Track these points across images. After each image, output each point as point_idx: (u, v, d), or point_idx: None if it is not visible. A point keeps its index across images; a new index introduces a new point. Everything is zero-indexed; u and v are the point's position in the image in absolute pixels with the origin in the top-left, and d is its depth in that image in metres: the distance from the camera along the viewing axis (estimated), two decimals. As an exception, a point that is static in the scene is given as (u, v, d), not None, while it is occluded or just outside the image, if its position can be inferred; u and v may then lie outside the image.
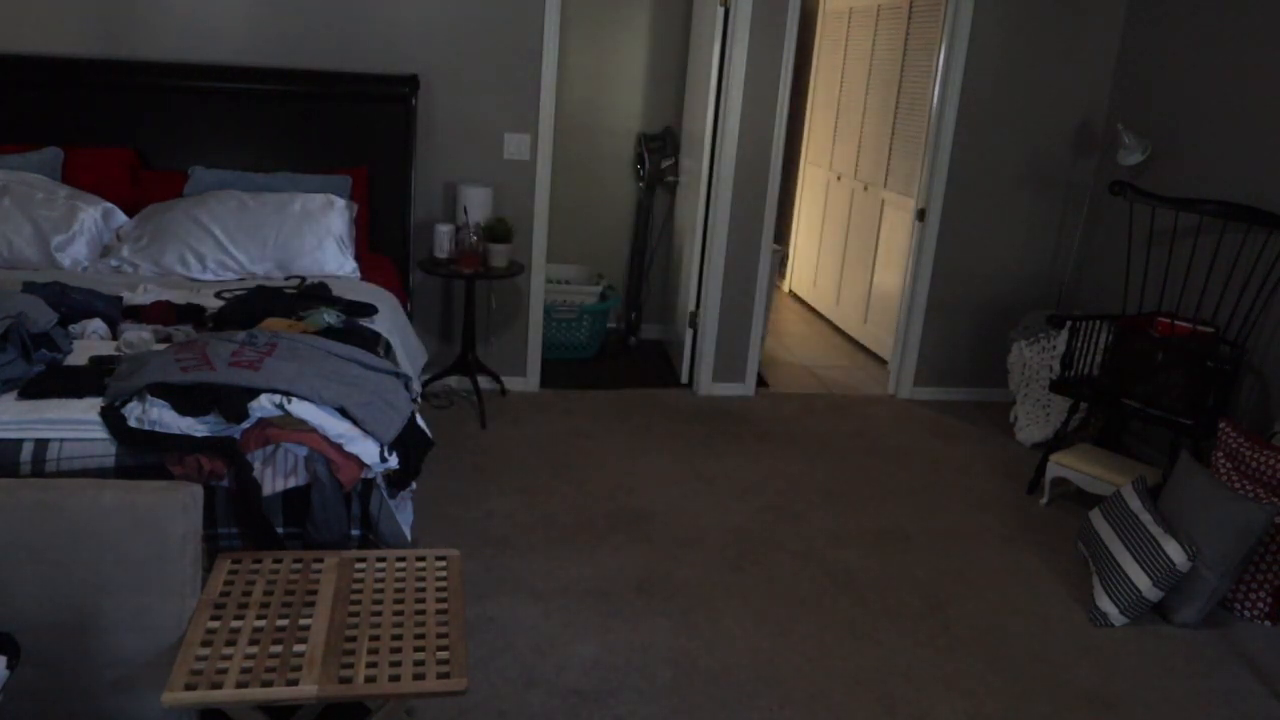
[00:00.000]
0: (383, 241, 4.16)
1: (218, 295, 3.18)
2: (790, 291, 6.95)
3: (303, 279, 3.45)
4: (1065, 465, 3.76)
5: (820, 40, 6.54)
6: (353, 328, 2.88)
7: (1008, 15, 4.45)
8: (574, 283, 5.38)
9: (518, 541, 3.23)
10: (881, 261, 5.50)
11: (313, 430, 2.21)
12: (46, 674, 1.87)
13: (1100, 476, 3.65)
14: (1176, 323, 3.70)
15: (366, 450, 2.25)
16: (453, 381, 4.53)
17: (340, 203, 3.75)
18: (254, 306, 2.94)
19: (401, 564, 2.15)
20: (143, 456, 2.15)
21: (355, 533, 2.34)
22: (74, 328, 2.70)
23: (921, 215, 4.72)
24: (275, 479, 2.22)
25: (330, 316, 2.88)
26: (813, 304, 6.56)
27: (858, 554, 3.34)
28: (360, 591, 2.04)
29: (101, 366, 2.42)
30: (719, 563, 3.21)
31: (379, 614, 1.97)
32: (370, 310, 3.14)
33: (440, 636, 1.91)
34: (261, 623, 1.89)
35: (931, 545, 3.44)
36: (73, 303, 2.78)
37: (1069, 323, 3.90)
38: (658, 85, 5.36)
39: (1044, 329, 4.43)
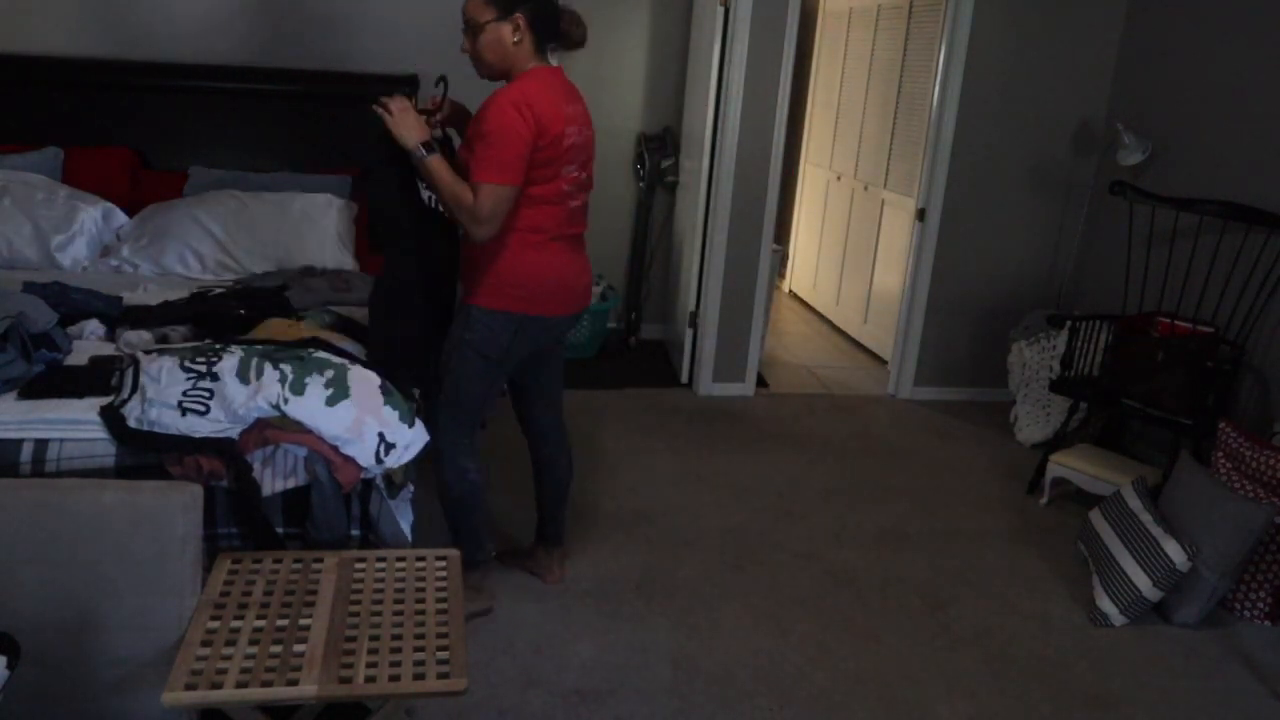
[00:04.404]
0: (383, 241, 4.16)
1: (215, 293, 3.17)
2: (790, 291, 6.95)
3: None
4: (1065, 465, 3.76)
5: (820, 40, 6.54)
6: (351, 325, 2.88)
7: (1008, 15, 4.45)
8: (574, 283, 5.36)
9: (517, 541, 3.23)
10: (881, 261, 5.50)
11: (309, 431, 2.21)
12: (46, 674, 1.87)
13: (1100, 476, 3.65)
14: (1176, 323, 3.70)
15: (362, 452, 2.24)
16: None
17: (340, 202, 3.75)
18: (253, 306, 2.93)
19: (401, 564, 2.15)
20: (143, 456, 2.15)
21: (355, 533, 2.34)
22: (72, 328, 2.70)
23: (921, 215, 4.72)
24: (275, 479, 2.22)
25: (330, 316, 2.88)
26: (813, 304, 6.56)
27: (858, 554, 3.33)
28: (360, 591, 2.04)
29: (102, 367, 2.41)
30: (719, 563, 3.21)
31: (379, 614, 1.97)
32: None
33: (440, 636, 1.91)
34: (261, 623, 1.89)
35: (931, 545, 3.43)
36: (73, 303, 2.78)
37: (1069, 323, 3.90)
38: (658, 85, 5.35)
39: (1044, 329, 4.43)
